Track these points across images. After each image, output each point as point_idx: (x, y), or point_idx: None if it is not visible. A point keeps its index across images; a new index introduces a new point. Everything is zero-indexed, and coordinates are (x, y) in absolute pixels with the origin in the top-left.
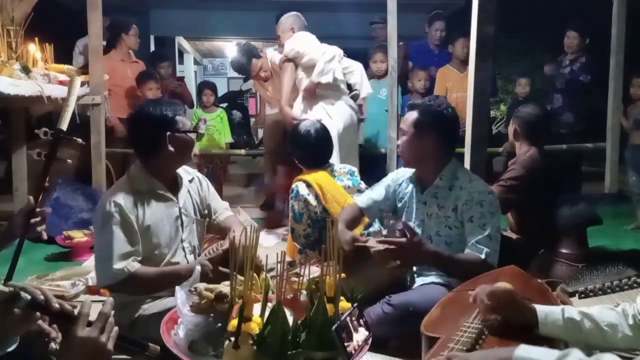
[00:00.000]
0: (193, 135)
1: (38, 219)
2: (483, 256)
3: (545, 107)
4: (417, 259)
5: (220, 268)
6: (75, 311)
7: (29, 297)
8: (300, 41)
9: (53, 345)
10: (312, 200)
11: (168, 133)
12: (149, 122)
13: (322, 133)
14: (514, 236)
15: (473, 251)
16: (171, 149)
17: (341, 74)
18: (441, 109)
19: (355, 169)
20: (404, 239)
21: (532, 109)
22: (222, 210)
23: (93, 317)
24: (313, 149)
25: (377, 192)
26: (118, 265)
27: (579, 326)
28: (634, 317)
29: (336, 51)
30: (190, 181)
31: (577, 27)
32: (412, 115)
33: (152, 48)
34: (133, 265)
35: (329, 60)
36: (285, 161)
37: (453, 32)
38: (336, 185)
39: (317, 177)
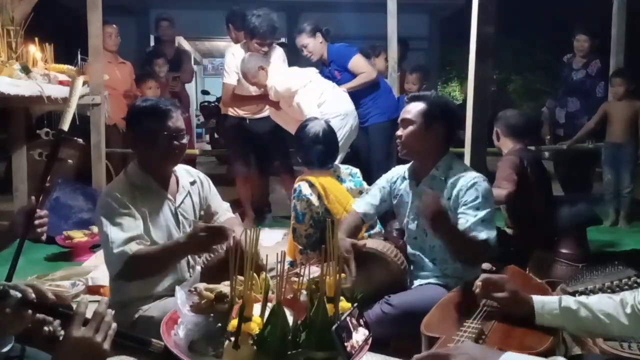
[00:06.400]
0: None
1: (43, 220)
2: (484, 236)
3: (526, 110)
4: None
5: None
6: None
7: (19, 295)
8: (278, 81)
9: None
10: (314, 200)
11: (158, 131)
12: (139, 119)
13: (329, 135)
14: (509, 231)
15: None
16: (162, 147)
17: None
18: (446, 100)
19: (358, 171)
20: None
21: (512, 111)
22: (223, 211)
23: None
24: (319, 151)
25: (372, 195)
26: (117, 250)
27: (575, 314)
28: (633, 306)
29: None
30: (192, 183)
31: (586, 30)
32: (419, 105)
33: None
34: (131, 247)
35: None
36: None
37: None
38: (339, 186)
39: (321, 177)
